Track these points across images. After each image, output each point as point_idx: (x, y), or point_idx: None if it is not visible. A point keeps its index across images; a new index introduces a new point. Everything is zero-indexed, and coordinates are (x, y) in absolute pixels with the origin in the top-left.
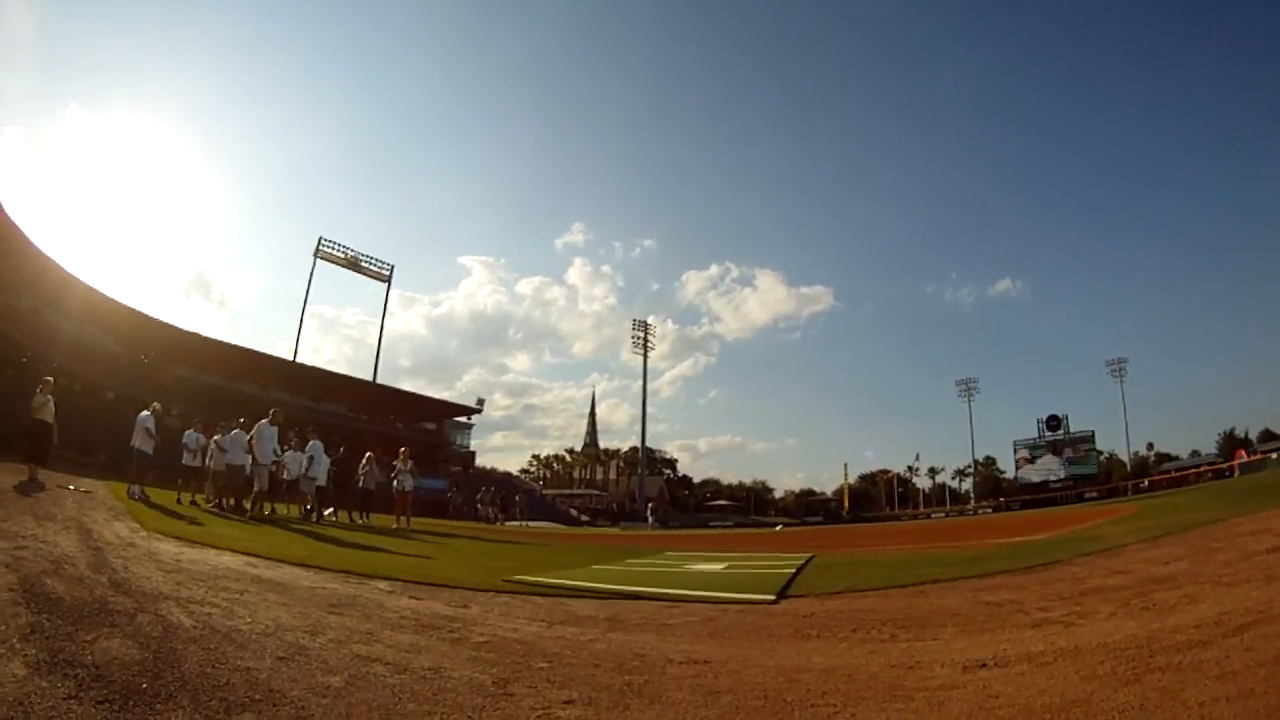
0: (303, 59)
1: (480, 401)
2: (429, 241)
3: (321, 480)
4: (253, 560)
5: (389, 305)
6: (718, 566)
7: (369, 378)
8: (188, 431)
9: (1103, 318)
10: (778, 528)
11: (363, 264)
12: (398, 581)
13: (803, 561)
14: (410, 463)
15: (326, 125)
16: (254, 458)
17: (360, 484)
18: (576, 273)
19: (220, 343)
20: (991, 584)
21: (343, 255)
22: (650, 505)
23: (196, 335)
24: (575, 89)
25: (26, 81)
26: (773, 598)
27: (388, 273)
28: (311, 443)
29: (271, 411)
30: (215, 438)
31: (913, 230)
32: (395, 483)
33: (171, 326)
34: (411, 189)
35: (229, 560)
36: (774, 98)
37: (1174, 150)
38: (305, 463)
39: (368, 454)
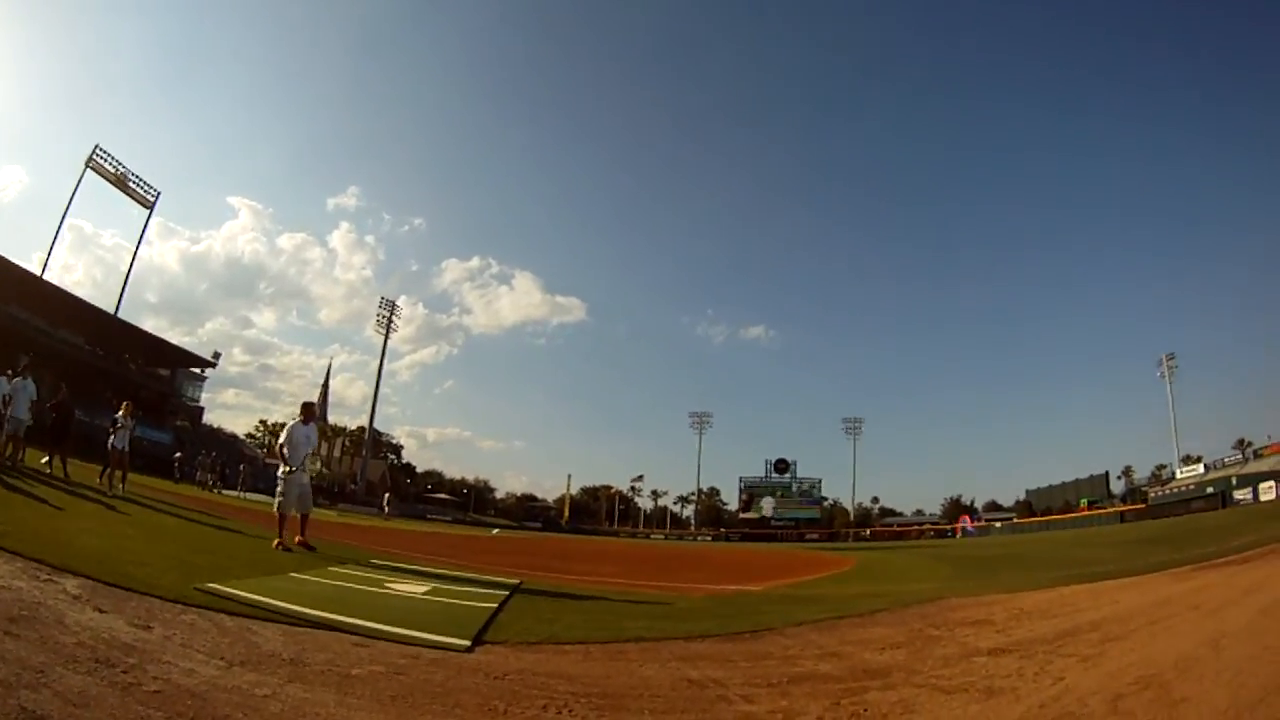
0: None
1: (216, 355)
2: (202, 171)
3: (24, 418)
4: None
5: (147, 233)
6: (420, 589)
7: (112, 308)
8: None
9: (846, 378)
10: (495, 531)
11: (130, 183)
12: (88, 581)
13: (507, 594)
14: (133, 420)
15: (133, 19)
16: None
17: (111, 441)
18: (340, 237)
19: None
20: (698, 652)
21: (113, 170)
22: (387, 496)
23: None
24: (386, 49)
25: None
26: (468, 644)
27: (153, 199)
28: (16, 379)
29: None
30: None
31: (681, 261)
32: (112, 439)
33: None
34: (199, 108)
35: None
36: (572, 104)
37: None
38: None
39: (125, 403)
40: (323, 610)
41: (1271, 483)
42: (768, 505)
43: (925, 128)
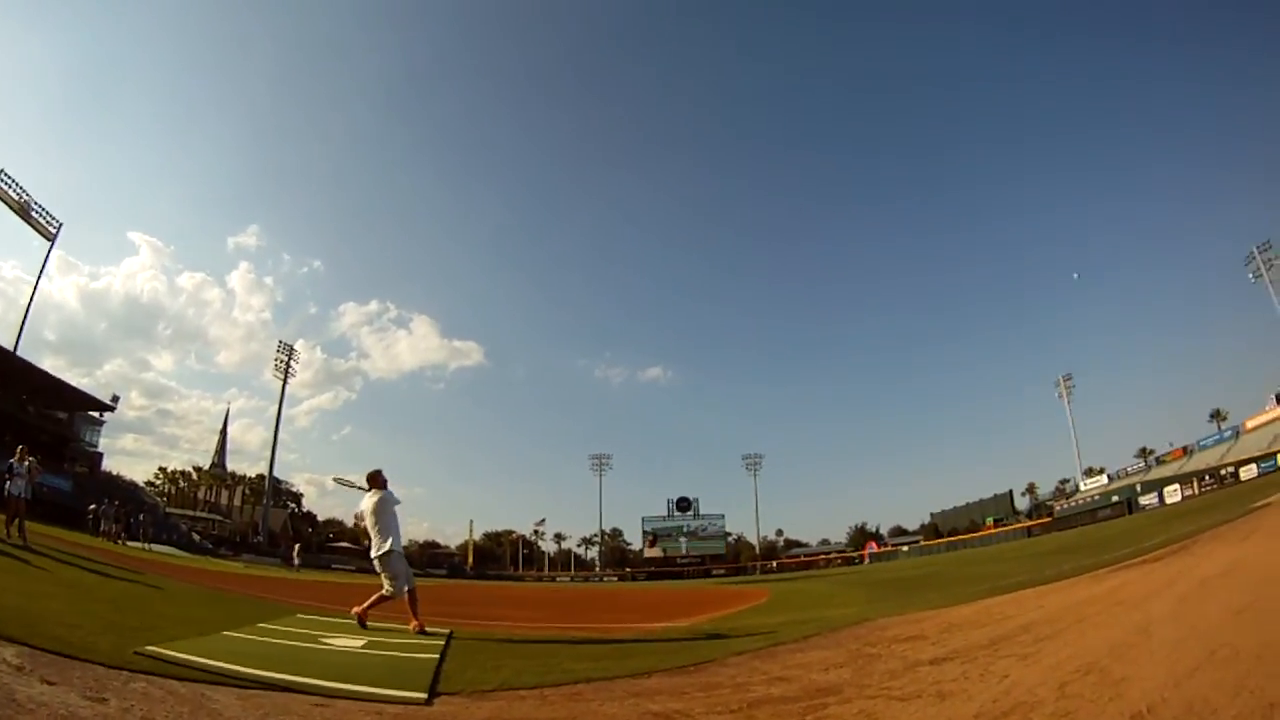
0: None
1: (115, 398)
2: (104, 203)
3: None
4: None
5: (47, 267)
6: (357, 643)
7: (9, 345)
8: None
9: (744, 415)
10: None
11: (33, 212)
12: (25, 648)
13: (443, 643)
14: (29, 461)
15: (38, 43)
16: None
17: (8, 488)
18: (240, 277)
19: None
20: (650, 687)
21: (16, 197)
22: (297, 548)
23: None
24: (291, 86)
25: None
26: (425, 696)
27: (55, 229)
28: None
29: None
30: None
31: (578, 306)
32: (8, 486)
33: None
34: (104, 138)
35: None
36: (467, 150)
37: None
38: None
39: (20, 448)
40: (270, 670)
41: (1176, 486)
42: (672, 544)
43: (806, 166)
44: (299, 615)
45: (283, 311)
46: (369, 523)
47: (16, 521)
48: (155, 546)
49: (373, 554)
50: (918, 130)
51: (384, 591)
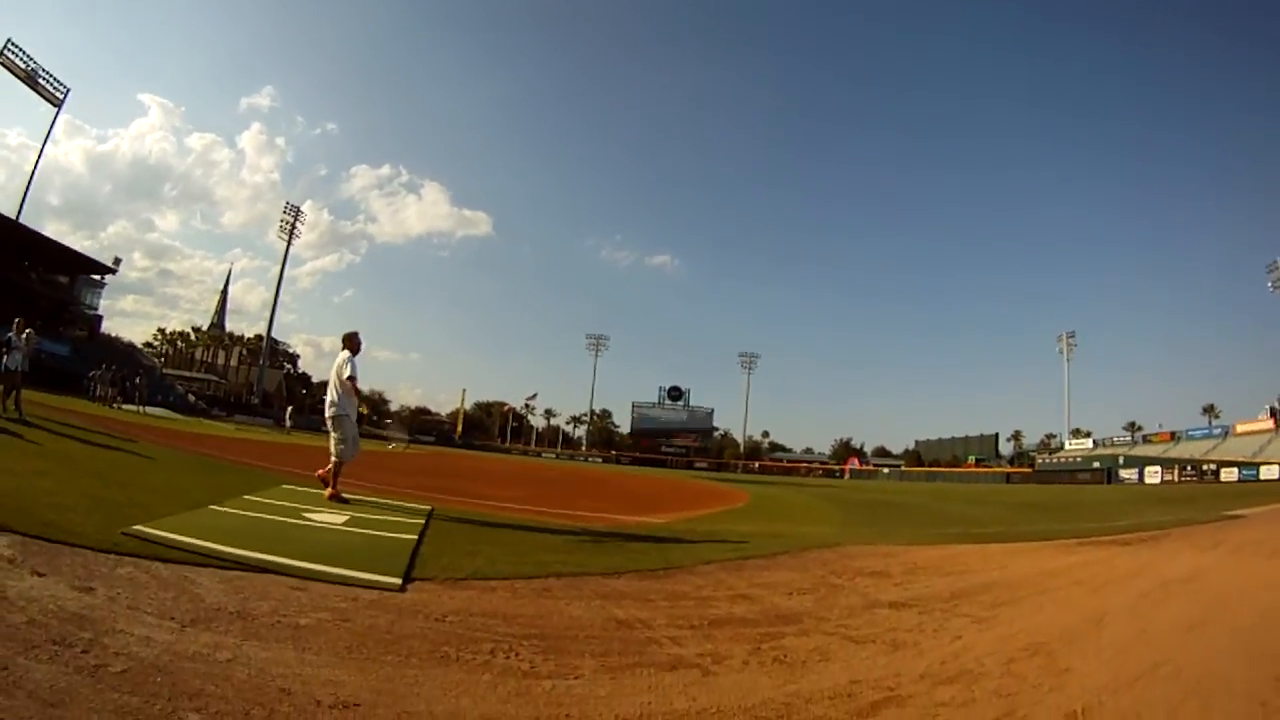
0: None
1: (117, 261)
2: (114, 64)
3: None
4: None
5: (54, 131)
6: (338, 520)
7: (12, 212)
8: None
9: (746, 313)
10: (390, 446)
11: (40, 80)
12: (16, 537)
13: (423, 522)
14: (27, 333)
15: None
16: None
17: (4, 362)
18: (250, 139)
19: None
20: (618, 589)
21: (24, 66)
22: (289, 411)
23: None
24: None
25: None
26: (399, 583)
27: (62, 95)
28: None
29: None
30: None
31: (594, 184)
32: (4, 360)
33: None
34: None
35: None
36: (498, 13)
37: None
38: None
39: (17, 321)
40: (252, 550)
41: (1158, 468)
42: (659, 430)
43: (850, 88)
44: (284, 486)
45: (292, 173)
46: (332, 380)
47: (13, 395)
48: (150, 409)
49: (326, 413)
50: (993, 75)
51: (333, 457)
